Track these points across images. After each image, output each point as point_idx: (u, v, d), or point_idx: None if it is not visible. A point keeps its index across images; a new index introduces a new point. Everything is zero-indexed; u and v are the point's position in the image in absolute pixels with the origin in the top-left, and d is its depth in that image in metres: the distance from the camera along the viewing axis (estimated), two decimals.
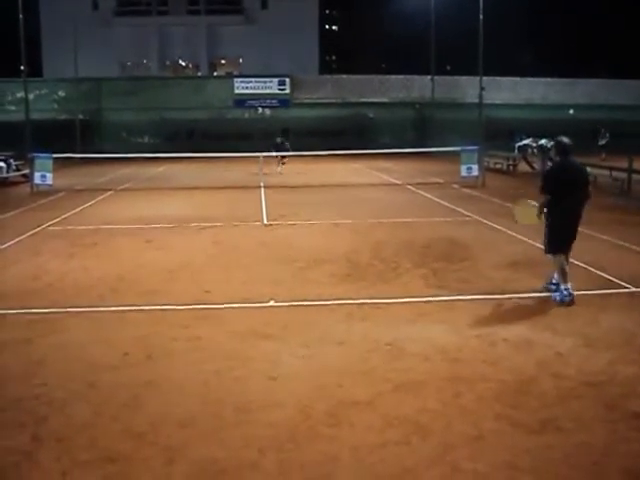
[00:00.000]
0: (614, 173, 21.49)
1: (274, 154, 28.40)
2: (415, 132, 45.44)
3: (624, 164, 20.62)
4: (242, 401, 5.61)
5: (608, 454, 4.72)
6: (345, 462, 4.64)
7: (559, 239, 8.47)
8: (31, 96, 29.42)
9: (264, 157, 27.02)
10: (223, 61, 57.93)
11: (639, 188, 19.72)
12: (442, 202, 18.73)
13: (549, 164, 26.56)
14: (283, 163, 29.08)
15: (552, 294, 8.56)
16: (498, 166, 29.85)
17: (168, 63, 57.33)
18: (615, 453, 4.74)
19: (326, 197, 20.32)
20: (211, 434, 5.06)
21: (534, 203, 8.72)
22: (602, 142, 35.63)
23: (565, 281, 8.37)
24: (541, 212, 8.49)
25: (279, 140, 29.31)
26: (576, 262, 9.25)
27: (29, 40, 27.71)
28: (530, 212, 8.73)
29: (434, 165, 32.19)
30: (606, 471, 4.52)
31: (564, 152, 8.53)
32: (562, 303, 8.30)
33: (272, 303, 8.61)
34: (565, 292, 8.33)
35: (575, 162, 8.65)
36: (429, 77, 43.38)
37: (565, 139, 8.56)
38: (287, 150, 28.78)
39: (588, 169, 22.83)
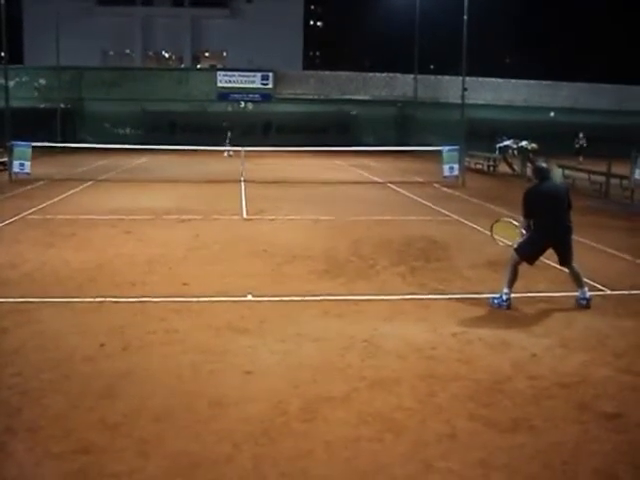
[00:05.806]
0: (592, 177, 21.71)
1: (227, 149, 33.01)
2: (397, 130, 45.50)
3: (603, 168, 20.84)
4: (217, 395, 5.62)
5: (579, 454, 4.79)
6: (319, 457, 4.67)
7: (529, 248, 8.43)
8: (11, 83, 29.03)
9: (245, 151, 26.99)
10: (207, 54, 57.61)
11: (617, 192, 19.93)
12: (422, 201, 18.80)
13: (529, 167, 26.87)
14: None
15: (490, 296, 8.56)
16: (478, 166, 30.00)
17: (151, 54, 56.91)
18: (585, 453, 4.80)
19: (306, 193, 20.32)
20: (185, 427, 5.06)
21: (516, 223, 8.75)
22: (577, 145, 35.60)
23: (509, 287, 8.36)
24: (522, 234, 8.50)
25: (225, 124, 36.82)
26: (552, 263, 9.33)
27: (10, 26, 27.33)
28: (511, 231, 8.75)
29: (415, 164, 32.29)
30: (576, 470, 4.59)
31: (540, 176, 8.53)
32: (499, 307, 8.32)
33: (250, 297, 8.60)
34: (504, 297, 8.33)
35: (552, 185, 8.62)
36: (412, 76, 43.49)
37: (542, 163, 8.67)
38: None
39: (566, 171, 22.90)
